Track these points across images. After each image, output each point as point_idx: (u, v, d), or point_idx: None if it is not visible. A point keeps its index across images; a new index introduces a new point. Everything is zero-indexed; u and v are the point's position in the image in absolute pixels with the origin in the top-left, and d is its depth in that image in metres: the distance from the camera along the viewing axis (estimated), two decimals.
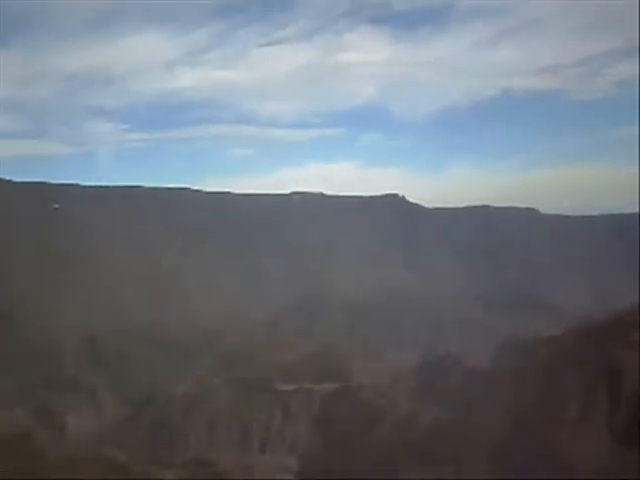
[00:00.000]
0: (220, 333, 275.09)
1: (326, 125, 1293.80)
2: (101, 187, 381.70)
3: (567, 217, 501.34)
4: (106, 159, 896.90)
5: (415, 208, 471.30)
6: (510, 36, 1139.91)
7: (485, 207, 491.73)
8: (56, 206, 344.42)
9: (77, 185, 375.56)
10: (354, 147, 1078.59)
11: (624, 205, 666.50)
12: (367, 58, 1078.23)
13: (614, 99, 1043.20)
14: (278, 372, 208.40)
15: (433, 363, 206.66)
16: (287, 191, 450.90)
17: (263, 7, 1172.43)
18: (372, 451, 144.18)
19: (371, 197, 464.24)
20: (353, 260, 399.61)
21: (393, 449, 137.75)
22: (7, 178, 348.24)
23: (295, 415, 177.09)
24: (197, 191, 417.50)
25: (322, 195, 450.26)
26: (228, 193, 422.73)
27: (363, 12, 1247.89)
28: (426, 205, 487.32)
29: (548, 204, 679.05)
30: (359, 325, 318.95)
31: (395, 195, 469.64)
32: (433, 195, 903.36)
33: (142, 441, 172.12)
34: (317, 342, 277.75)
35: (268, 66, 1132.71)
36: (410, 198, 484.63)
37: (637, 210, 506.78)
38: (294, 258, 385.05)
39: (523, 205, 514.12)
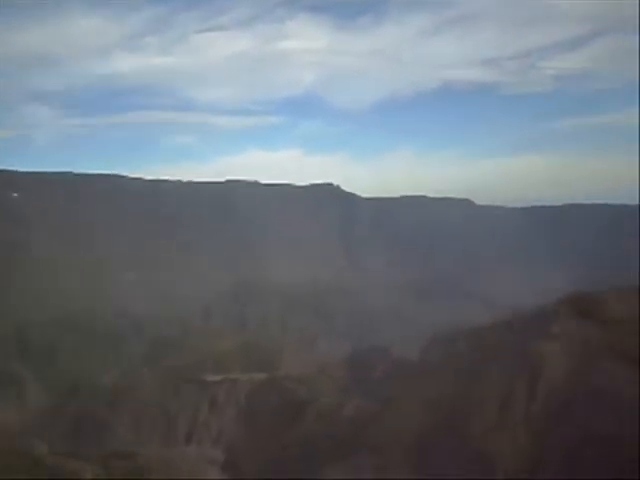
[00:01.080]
0: (152, 323, 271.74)
1: (266, 113, 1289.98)
2: (31, 173, 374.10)
3: (502, 208, 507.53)
4: (42, 144, 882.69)
5: (350, 197, 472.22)
6: (451, 28, 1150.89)
7: (421, 197, 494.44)
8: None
9: (7, 171, 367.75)
10: (294, 135, 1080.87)
11: (560, 196, 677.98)
12: (307, 46, 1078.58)
13: (551, 92, 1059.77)
14: (208, 362, 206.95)
15: (361, 354, 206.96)
16: (222, 179, 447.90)
17: None
18: (296, 442, 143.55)
19: (306, 186, 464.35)
20: (288, 249, 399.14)
21: (316, 440, 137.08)
22: None
23: (221, 406, 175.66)
24: (134, 178, 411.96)
25: (257, 183, 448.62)
26: (165, 181, 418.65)
27: (302, 1, 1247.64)
28: (362, 194, 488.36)
29: (485, 195, 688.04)
30: (293, 315, 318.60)
31: (330, 184, 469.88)
32: (372, 184, 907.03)
33: (65, 433, 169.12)
34: (249, 332, 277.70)
35: (207, 52, 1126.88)
36: (348, 187, 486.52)
37: (572, 201, 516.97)
38: (229, 247, 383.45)
39: (460, 196, 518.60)
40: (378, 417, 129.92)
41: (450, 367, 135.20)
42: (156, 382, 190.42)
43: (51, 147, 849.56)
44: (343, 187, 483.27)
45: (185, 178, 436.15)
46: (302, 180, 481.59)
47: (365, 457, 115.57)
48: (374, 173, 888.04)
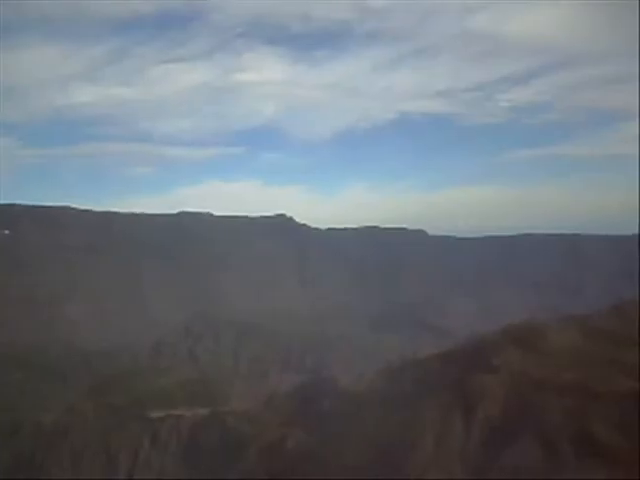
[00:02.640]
0: (102, 357, 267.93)
1: (225, 144, 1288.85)
2: None
3: (455, 238, 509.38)
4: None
5: (303, 228, 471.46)
6: (407, 61, 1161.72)
7: (374, 228, 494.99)
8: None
9: None
10: (252, 167, 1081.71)
11: (513, 226, 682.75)
12: (265, 78, 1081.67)
13: (505, 124, 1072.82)
14: (154, 398, 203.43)
15: (309, 386, 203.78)
16: (175, 211, 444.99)
17: (160, 25, 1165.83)
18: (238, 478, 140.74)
19: (259, 217, 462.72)
20: (241, 281, 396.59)
21: (258, 477, 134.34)
22: None
23: (163, 443, 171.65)
24: (84, 210, 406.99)
25: (210, 215, 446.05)
26: (115, 213, 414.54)
27: (261, 33, 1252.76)
28: (315, 225, 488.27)
29: (440, 225, 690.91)
30: (246, 347, 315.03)
31: (283, 215, 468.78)
32: (330, 215, 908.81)
33: (2, 473, 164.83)
34: (200, 366, 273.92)
35: (166, 84, 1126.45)
36: (305, 219, 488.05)
37: (525, 231, 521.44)
38: (182, 279, 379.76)
39: (415, 226, 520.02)
40: (317, 454, 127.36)
41: (392, 400, 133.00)
42: (98, 418, 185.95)
43: (5, 178, 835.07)
44: (302, 218, 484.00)
45: (140, 210, 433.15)
46: (262, 211, 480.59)
47: None
48: (332, 204, 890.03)
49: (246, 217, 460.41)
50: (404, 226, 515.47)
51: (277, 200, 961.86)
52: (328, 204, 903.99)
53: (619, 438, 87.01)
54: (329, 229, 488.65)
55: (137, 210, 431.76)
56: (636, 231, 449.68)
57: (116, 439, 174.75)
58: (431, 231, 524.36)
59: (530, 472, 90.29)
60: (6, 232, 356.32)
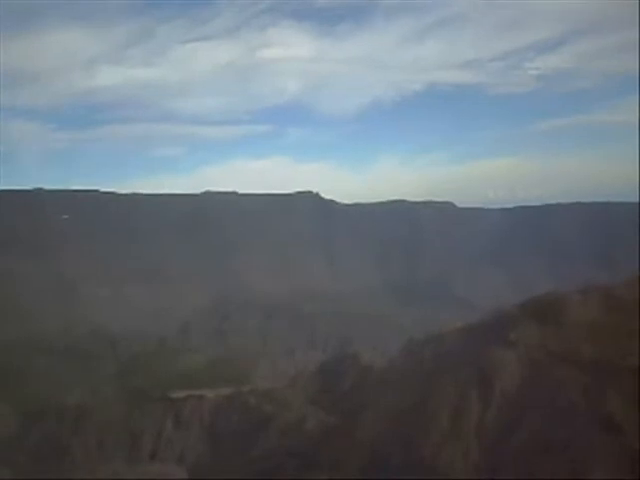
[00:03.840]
0: (128, 340, 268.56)
1: (252, 122, 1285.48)
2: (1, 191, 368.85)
3: (484, 210, 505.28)
4: (27, 160, 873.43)
5: (330, 205, 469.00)
6: (433, 32, 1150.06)
7: (401, 201, 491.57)
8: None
9: None
10: (280, 144, 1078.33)
11: (543, 196, 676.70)
12: (291, 54, 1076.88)
13: (534, 93, 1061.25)
14: (178, 379, 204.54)
15: (333, 363, 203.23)
16: (199, 190, 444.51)
17: (182, 4, 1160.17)
18: (258, 459, 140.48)
19: (285, 195, 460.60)
20: (267, 259, 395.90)
21: (278, 456, 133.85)
22: None
23: (186, 423, 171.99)
24: (108, 192, 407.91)
25: (235, 193, 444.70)
26: (139, 194, 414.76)
27: (285, 8, 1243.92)
28: (343, 201, 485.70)
29: (472, 197, 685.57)
30: (272, 326, 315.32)
31: (310, 192, 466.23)
32: (359, 190, 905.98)
33: (28, 458, 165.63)
34: (226, 346, 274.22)
35: (191, 63, 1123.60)
36: (334, 194, 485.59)
37: (555, 201, 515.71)
38: (207, 259, 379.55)
39: (444, 199, 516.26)
40: (336, 432, 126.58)
41: (412, 376, 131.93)
42: (122, 400, 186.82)
43: (36, 163, 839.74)
44: (331, 194, 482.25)
45: (166, 191, 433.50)
46: (291, 188, 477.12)
47: (321, 474, 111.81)
48: (361, 179, 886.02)
49: (271, 195, 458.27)
50: (432, 199, 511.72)
51: (306, 177, 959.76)
52: (357, 179, 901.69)
53: (634, 414, 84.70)
54: (355, 204, 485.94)
55: (162, 191, 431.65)
56: None
57: (139, 420, 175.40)
58: (460, 203, 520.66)
59: (545, 448, 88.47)
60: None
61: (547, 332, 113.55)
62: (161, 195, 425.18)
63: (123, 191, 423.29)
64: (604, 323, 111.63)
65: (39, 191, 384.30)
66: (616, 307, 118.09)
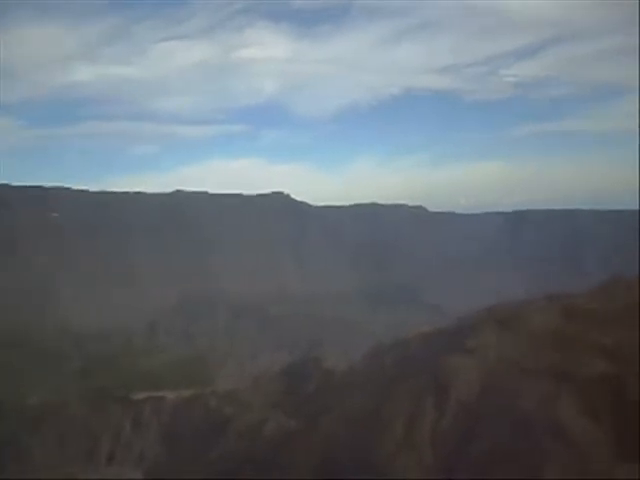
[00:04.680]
0: (95, 339, 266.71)
1: (228, 122, 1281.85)
2: None
3: (455, 214, 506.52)
4: None
5: (301, 206, 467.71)
6: (411, 35, 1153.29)
7: (372, 205, 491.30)
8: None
9: None
10: (256, 145, 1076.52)
11: (516, 203, 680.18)
12: (267, 55, 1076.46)
13: (511, 99, 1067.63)
14: (141, 379, 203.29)
15: (297, 366, 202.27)
16: (170, 189, 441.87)
17: (158, 2, 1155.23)
18: (215, 462, 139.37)
19: (256, 196, 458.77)
20: (236, 260, 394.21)
21: (236, 459, 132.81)
22: None
23: (145, 425, 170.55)
24: (80, 191, 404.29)
25: (206, 193, 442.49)
26: (110, 193, 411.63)
27: (262, 9, 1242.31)
28: (317, 203, 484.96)
29: (446, 202, 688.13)
30: (240, 327, 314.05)
31: (280, 193, 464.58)
32: (334, 193, 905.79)
33: None
34: (193, 346, 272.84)
35: (166, 62, 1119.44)
36: (309, 197, 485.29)
37: (528, 207, 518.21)
38: (176, 259, 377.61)
39: (420, 203, 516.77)
40: (294, 436, 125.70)
41: (371, 381, 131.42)
42: (82, 400, 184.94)
43: (10, 159, 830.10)
44: (306, 196, 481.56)
45: (140, 189, 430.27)
46: (265, 189, 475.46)
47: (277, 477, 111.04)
48: (336, 182, 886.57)
49: (242, 195, 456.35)
50: (404, 202, 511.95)
51: (281, 178, 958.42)
52: (332, 182, 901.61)
53: (587, 423, 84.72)
54: (327, 206, 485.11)
55: (134, 189, 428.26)
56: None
57: (98, 421, 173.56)
58: (434, 207, 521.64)
59: (500, 457, 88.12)
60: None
61: (506, 340, 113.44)
62: (131, 193, 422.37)
63: (95, 189, 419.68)
64: (563, 332, 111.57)
65: (5, 187, 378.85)
66: (577, 316, 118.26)
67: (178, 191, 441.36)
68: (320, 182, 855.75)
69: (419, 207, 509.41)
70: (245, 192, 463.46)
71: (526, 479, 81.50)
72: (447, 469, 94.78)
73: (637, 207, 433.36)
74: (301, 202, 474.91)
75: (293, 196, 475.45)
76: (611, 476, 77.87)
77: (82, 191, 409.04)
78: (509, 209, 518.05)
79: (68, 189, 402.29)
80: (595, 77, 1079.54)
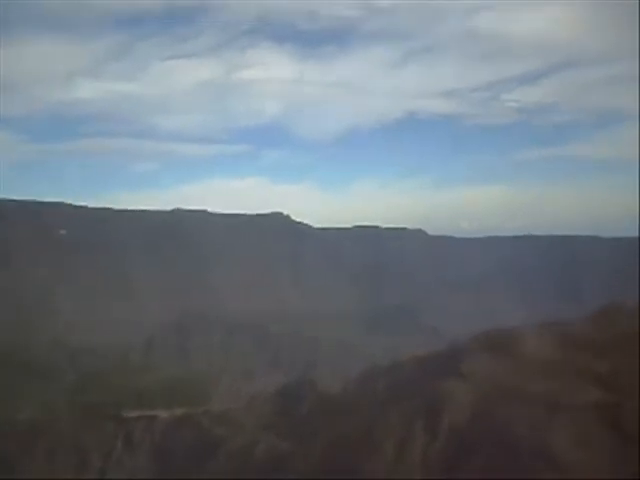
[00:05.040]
0: (89, 354, 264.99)
1: (230, 142, 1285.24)
2: None
3: (455, 239, 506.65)
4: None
5: (300, 227, 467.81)
6: (414, 59, 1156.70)
7: (373, 228, 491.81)
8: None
9: None
10: (258, 165, 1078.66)
11: (517, 228, 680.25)
12: (271, 75, 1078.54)
13: (514, 124, 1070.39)
14: (134, 397, 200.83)
15: (290, 389, 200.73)
16: (169, 207, 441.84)
17: (164, 21, 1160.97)
18: None
19: (255, 215, 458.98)
20: (234, 279, 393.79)
21: None
22: None
23: (136, 443, 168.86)
24: (78, 207, 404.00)
25: (206, 212, 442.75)
26: (109, 209, 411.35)
27: (267, 30, 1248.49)
28: (317, 224, 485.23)
29: (446, 226, 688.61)
30: (236, 346, 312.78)
31: (280, 213, 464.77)
32: (335, 214, 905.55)
33: None
34: (189, 364, 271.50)
35: (170, 80, 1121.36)
36: (309, 218, 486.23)
37: (529, 232, 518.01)
38: (174, 277, 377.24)
39: (421, 227, 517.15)
40: (285, 459, 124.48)
41: (364, 404, 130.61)
42: (73, 417, 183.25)
43: (10, 173, 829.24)
44: (307, 217, 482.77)
45: (140, 207, 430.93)
46: (265, 209, 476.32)
47: None
48: (336, 204, 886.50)
49: (241, 215, 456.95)
50: (403, 226, 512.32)
51: (281, 199, 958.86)
52: (334, 203, 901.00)
53: (580, 452, 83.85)
54: (326, 228, 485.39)
55: (134, 207, 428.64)
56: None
57: (89, 439, 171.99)
58: (434, 231, 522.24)
59: None
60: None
61: (500, 366, 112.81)
62: (131, 211, 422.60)
63: (94, 205, 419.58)
64: (557, 360, 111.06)
65: (4, 201, 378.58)
66: (572, 344, 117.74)
67: (177, 209, 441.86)
68: (321, 203, 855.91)
69: (419, 230, 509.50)
70: (245, 212, 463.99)
71: None
72: None
73: (637, 234, 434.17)
74: (301, 223, 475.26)
75: (293, 217, 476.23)
76: None
77: (81, 207, 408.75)
78: (510, 233, 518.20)
79: (68, 204, 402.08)
80: (597, 103, 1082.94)
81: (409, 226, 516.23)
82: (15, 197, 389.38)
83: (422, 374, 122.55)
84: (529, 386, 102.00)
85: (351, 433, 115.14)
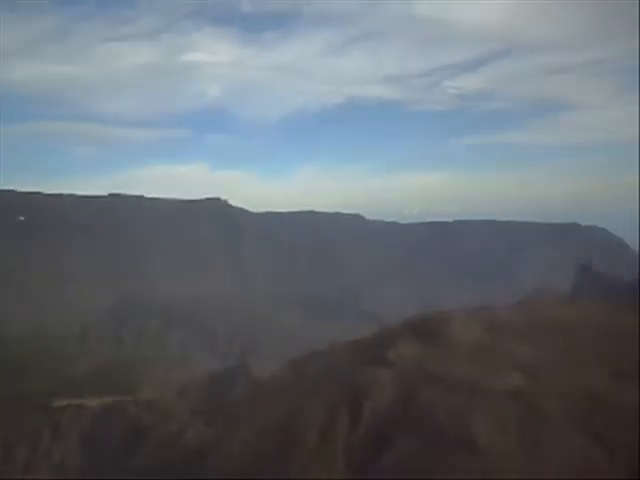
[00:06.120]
0: (19, 342, 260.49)
1: (171, 126, 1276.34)
2: None
3: (394, 224, 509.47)
4: None
5: (239, 212, 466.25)
6: (357, 45, 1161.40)
7: (311, 212, 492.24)
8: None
9: None
10: (199, 149, 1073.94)
11: (459, 213, 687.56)
12: (212, 59, 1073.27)
13: (454, 111, 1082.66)
14: (65, 385, 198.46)
15: (222, 375, 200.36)
16: (105, 193, 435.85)
17: (104, 2, 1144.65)
18: (134, 472, 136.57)
19: (193, 201, 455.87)
20: (171, 265, 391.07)
21: (153, 470, 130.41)
22: None
23: (64, 433, 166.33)
24: (5, 191, 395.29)
25: (142, 198, 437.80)
26: (39, 194, 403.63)
27: (209, 13, 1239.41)
28: (255, 209, 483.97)
29: (386, 210, 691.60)
30: (173, 332, 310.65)
31: (218, 199, 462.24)
32: (274, 199, 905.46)
33: None
34: (123, 351, 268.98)
35: (110, 63, 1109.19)
36: (249, 203, 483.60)
37: (466, 217, 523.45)
38: (110, 263, 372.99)
39: (360, 212, 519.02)
40: (211, 446, 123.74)
41: (290, 391, 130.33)
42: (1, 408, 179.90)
43: None
44: (245, 202, 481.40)
45: (77, 191, 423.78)
46: (205, 194, 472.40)
47: None
48: (277, 188, 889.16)
49: (179, 200, 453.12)
50: (342, 211, 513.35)
51: (222, 184, 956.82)
52: (274, 189, 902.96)
53: (497, 436, 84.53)
54: (265, 213, 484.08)
55: (71, 191, 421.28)
56: (575, 219, 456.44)
57: (15, 429, 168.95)
58: (373, 216, 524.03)
59: (410, 468, 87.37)
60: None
61: (426, 351, 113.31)
62: (65, 195, 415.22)
63: (29, 189, 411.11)
64: (481, 345, 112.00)
65: None
66: (495, 330, 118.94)
67: (113, 194, 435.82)
68: (262, 189, 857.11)
69: (357, 215, 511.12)
70: (182, 197, 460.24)
71: None
72: (358, 477, 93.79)
73: (575, 220, 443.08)
74: (238, 208, 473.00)
75: (232, 202, 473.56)
76: None
77: (8, 191, 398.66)
78: (449, 219, 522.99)
79: None
80: (535, 92, 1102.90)
81: (348, 211, 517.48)
82: None
83: (350, 360, 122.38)
84: (452, 371, 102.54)
85: (276, 419, 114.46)
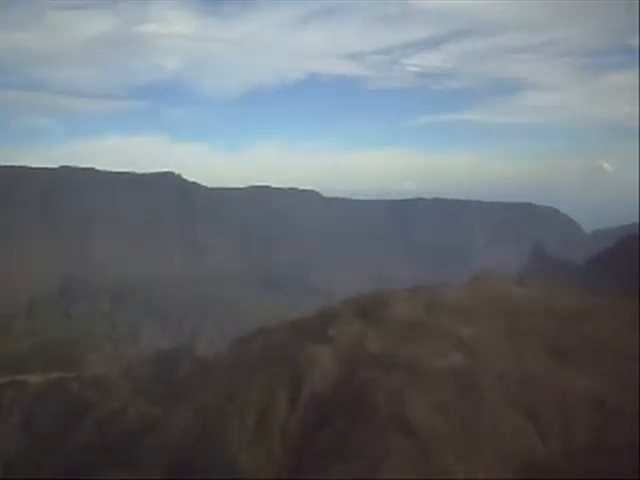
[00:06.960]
0: None
1: (127, 98, 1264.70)
2: None
3: (350, 200, 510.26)
4: None
5: (192, 187, 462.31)
6: (316, 20, 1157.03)
7: (265, 188, 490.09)
8: None
9: None
10: (155, 122, 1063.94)
11: (416, 191, 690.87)
12: (171, 31, 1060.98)
13: (413, 89, 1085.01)
14: (9, 362, 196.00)
15: (168, 353, 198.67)
16: (55, 165, 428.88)
17: None
18: (73, 450, 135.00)
19: (145, 174, 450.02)
20: (121, 240, 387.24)
21: (92, 449, 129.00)
22: None
23: (6, 410, 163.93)
24: None
25: (94, 170, 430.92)
26: None
27: None
28: (206, 184, 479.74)
29: (344, 187, 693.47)
30: (123, 310, 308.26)
31: (171, 173, 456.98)
32: (231, 174, 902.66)
33: None
34: (71, 329, 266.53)
35: (65, 32, 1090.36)
36: (202, 177, 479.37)
37: (419, 195, 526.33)
38: (59, 238, 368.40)
39: (312, 187, 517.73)
40: (151, 426, 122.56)
41: (233, 369, 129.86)
42: None
43: None
44: (200, 177, 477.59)
45: (27, 163, 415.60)
46: (160, 168, 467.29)
47: (126, 471, 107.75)
48: (234, 163, 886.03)
49: (132, 174, 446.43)
50: (298, 187, 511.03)
51: (178, 157, 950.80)
52: (231, 163, 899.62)
53: (432, 416, 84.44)
54: (219, 188, 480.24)
55: (20, 163, 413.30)
56: (531, 200, 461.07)
57: None
58: (329, 193, 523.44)
59: (345, 445, 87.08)
60: None
61: (367, 330, 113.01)
62: (13, 167, 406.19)
63: None
64: (422, 324, 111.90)
65: None
66: (439, 309, 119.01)
67: (64, 167, 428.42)
68: (218, 163, 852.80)
69: (312, 191, 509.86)
70: (135, 170, 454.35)
71: None
72: (296, 461, 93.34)
73: (531, 200, 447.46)
74: (192, 182, 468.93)
75: (187, 177, 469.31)
76: (451, 472, 77.60)
77: None
78: (404, 196, 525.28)
79: None
80: (495, 72, 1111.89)
81: (305, 187, 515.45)
82: None
83: (291, 339, 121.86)
84: (392, 350, 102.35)
85: (215, 399, 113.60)
